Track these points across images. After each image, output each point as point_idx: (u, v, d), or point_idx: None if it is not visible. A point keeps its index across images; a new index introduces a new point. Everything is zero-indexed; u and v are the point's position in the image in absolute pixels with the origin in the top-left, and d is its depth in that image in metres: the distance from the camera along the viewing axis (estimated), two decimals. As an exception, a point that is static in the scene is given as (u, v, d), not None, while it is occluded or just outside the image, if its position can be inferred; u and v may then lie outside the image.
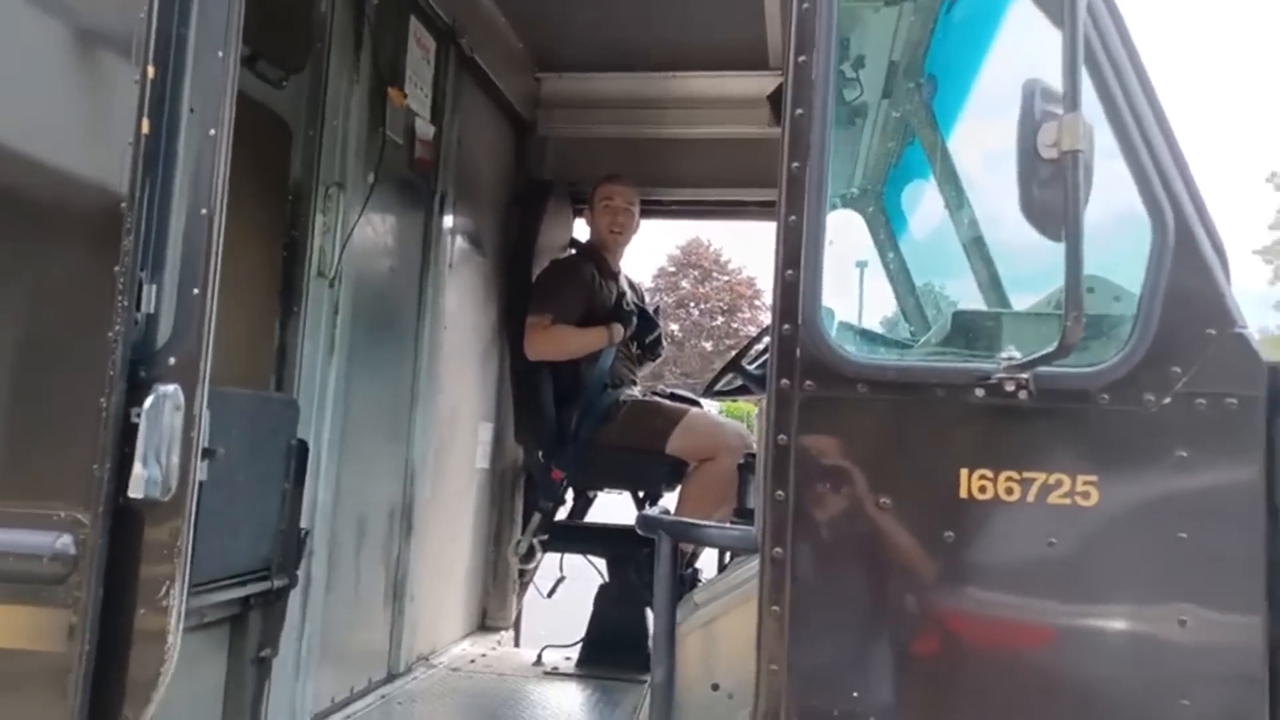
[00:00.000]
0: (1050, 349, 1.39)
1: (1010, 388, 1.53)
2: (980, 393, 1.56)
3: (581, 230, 4.27)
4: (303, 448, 2.47)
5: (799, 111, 1.64)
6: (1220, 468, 1.54)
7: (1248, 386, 1.53)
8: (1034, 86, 1.39)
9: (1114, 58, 1.58)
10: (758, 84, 4.00)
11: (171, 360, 1.68)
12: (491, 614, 4.19)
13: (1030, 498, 1.56)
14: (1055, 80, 1.37)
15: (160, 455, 1.63)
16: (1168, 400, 1.54)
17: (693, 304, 37.07)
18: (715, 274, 37.40)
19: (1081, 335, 1.36)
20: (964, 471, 1.57)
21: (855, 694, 1.57)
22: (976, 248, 2.60)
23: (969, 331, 1.80)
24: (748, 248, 37.33)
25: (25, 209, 1.75)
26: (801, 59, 1.64)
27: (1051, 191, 1.35)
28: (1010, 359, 1.51)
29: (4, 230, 1.74)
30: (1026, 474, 1.56)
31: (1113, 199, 1.63)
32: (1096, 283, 1.71)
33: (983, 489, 1.57)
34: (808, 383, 1.61)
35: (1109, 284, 1.72)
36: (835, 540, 1.60)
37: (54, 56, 1.76)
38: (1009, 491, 1.56)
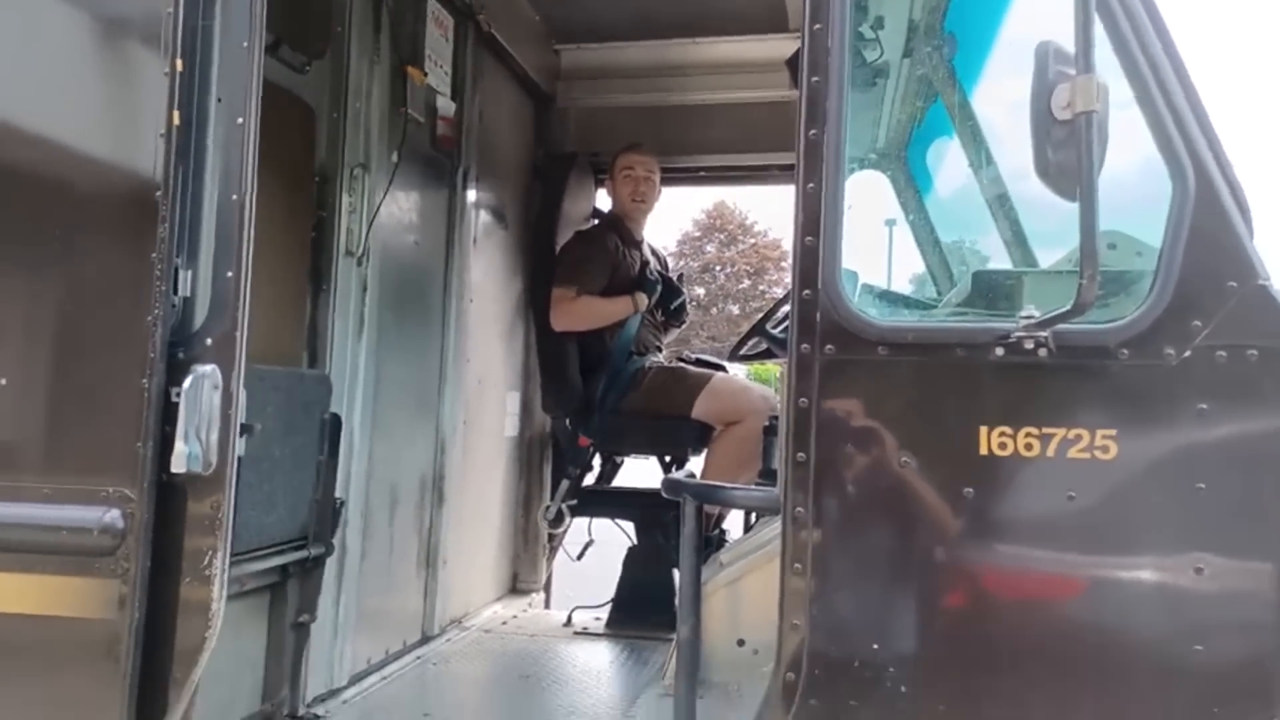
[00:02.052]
0: (1066, 307, 1.40)
1: (1029, 345, 1.54)
2: (1000, 351, 1.58)
3: (604, 200, 4.28)
4: (336, 421, 2.54)
5: (815, 78, 1.64)
6: (1240, 419, 1.54)
7: (1270, 338, 1.53)
8: (1047, 48, 1.39)
9: (1129, 9, 1.56)
10: (777, 47, 3.96)
11: (208, 341, 1.74)
12: (522, 577, 4.27)
13: (1050, 453, 1.57)
14: (1071, 39, 1.37)
15: (200, 432, 1.70)
16: (1188, 353, 1.54)
17: (719, 268, 36.90)
18: (741, 238, 37.16)
19: (1097, 293, 1.37)
20: (984, 429, 1.59)
21: (875, 646, 1.61)
22: (1001, 205, 2.59)
23: (989, 291, 1.81)
24: (774, 210, 37.01)
25: (66, 202, 1.80)
26: (817, 26, 1.64)
27: (1066, 152, 1.35)
28: (1029, 317, 1.52)
29: (47, 223, 1.80)
30: (1046, 430, 1.57)
31: (1135, 153, 1.63)
32: (1118, 238, 1.71)
33: (1003, 445, 1.59)
34: (828, 347, 1.64)
35: (1131, 239, 1.72)
36: (856, 499, 1.63)
37: (86, 54, 1.81)
38: (1029, 447, 1.58)
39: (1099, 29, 1.40)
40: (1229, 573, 1.52)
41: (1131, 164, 1.68)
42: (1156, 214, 1.61)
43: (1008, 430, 1.58)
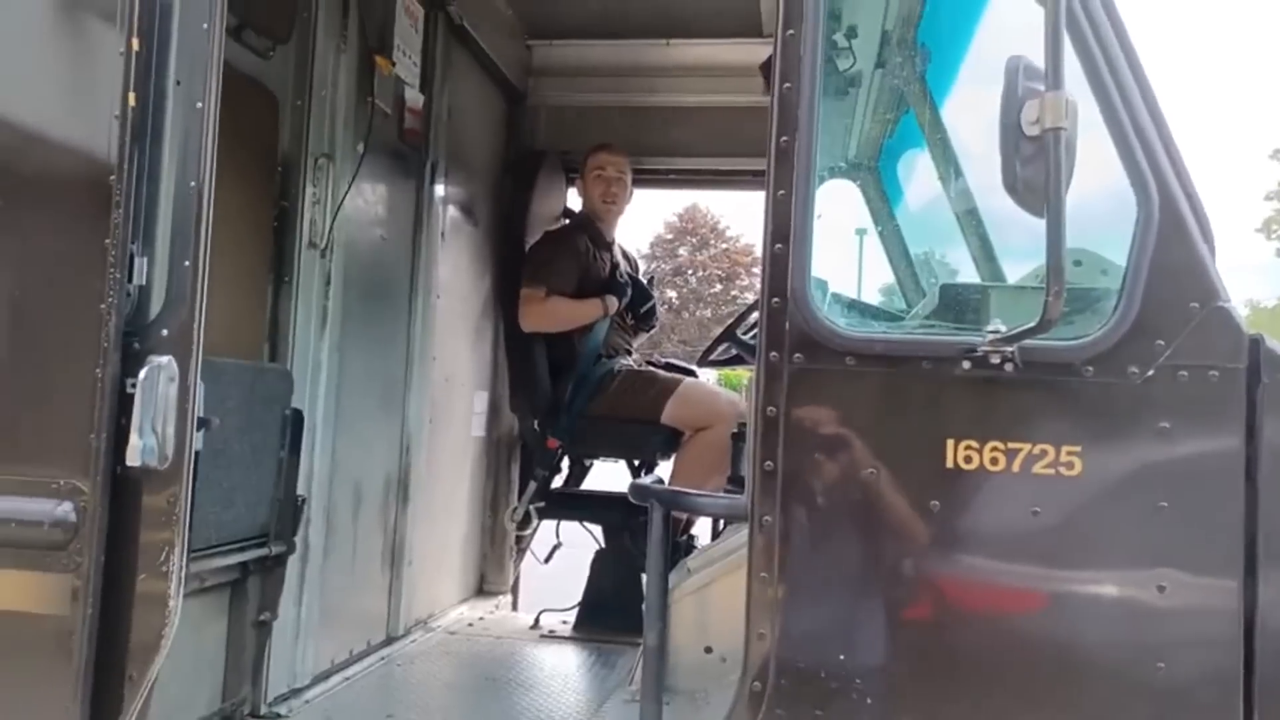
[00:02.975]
0: (1032, 323, 1.41)
1: (995, 360, 1.55)
2: (966, 365, 1.59)
3: (575, 200, 4.26)
4: (298, 417, 2.50)
5: (787, 85, 1.64)
6: (1202, 438, 1.57)
7: (1229, 359, 1.56)
8: (1017, 63, 1.40)
9: (1099, 31, 1.58)
10: (750, 51, 3.96)
11: (165, 332, 1.70)
12: (489, 579, 4.24)
13: (1015, 467, 1.59)
14: (1041, 55, 1.38)
15: (156, 425, 1.66)
16: (1151, 372, 1.56)
17: (691, 271, 36.99)
18: (713, 241, 37.28)
19: (1062, 310, 1.38)
20: (950, 442, 1.60)
21: (841, 657, 1.61)
22: (970, 219, 2.61)
23: (956, 304, 1.82)
24: (746, 215, 37.19)
25: (15, 184, 1.75)
26: (790, 32, 1.64)
27: (1034, 168, 1.36)
28: (995, 332, 1.53)
29: None
30: (1011, 444, 1.59)
31: (1102, 172, 1.64)
32: (1085, 256, 1.73)
33: (968, 459, 1.60)
34: (796, 355, 1.63)
35: (1097, 257, 1.74)
36: (823, 509, 1.63)
37: (39, 31, 1.76)
38: (994, 461, 1.59)
39: (1068, 47, 1.41)
40: (1191, 591, 1.54)
41: (1098, 182, 1.70)
42: (1122, 232, 1.63)
43: (974, 444, 1.58)
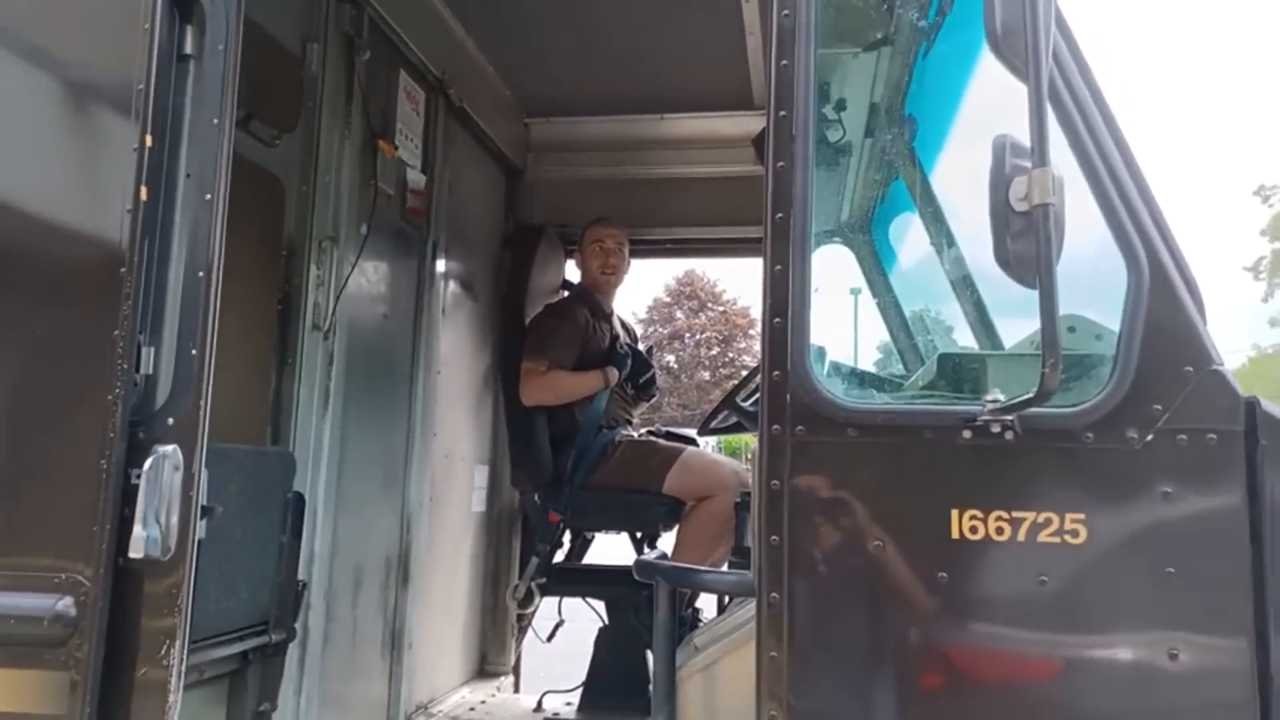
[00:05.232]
0: (1030, 394, 1.42)
1: (996, 429, 1.56)
2: (967, 434, 1.59)
3: (573, 272, 4.32)
4: (299, 500, 2.48)
5: (781, 164, 1.68)
6: (1204, 502, 1.56)
7: (1226, 421, 1.56)
8: (1004, 141, 1.43)
9: (1080, 103, 1.62)
10: (743, 124, 4.08)
11: (170, 420, 1.71)
12: (490, 659, 4.17)
13: (1020, 536, 1.58)
14: (1027, 128, 1.42)
15: (160, 515, 1.65)
16: (1150, 437, 1.57)
17: (689, 335, 37.17)
18: (710, 305, 37.55)
19: (1060, 380, 1.39)
20: (955, 512, 1.60)
21: (856, 735, 1.58)
22: (963, 283, 2.65)
23: (954, 373, 1.83)
24: (742, 279, 37.58)
25: (27, 275, 1.78)
26: (782, 113, 1.69)
27: (1024, 243, 1.39)
28: (994, 401, 1.54)
29: (6, 295, 1.77)
30: (1016, 513, 1.58)
31: (1092, 239, 1.67)
32: (1078, 321, 1.75)
33: (974, 529, 1.59)
34: (798, 428, 1.64)
35: (1090, 323, 1.76)
36: (831, 584, 1.62)
37: (55, 128, 1.81)
38: (1000, 531, 1.58)
39: (1052, 122, 1.45)
40: (1203, 654, 1.52)
41: (1088, 248, 1.73)
42: (1114, 297, 1.66)
43: (978, 513, 1.58)
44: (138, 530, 1.63)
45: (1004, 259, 1.41)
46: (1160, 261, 1.59)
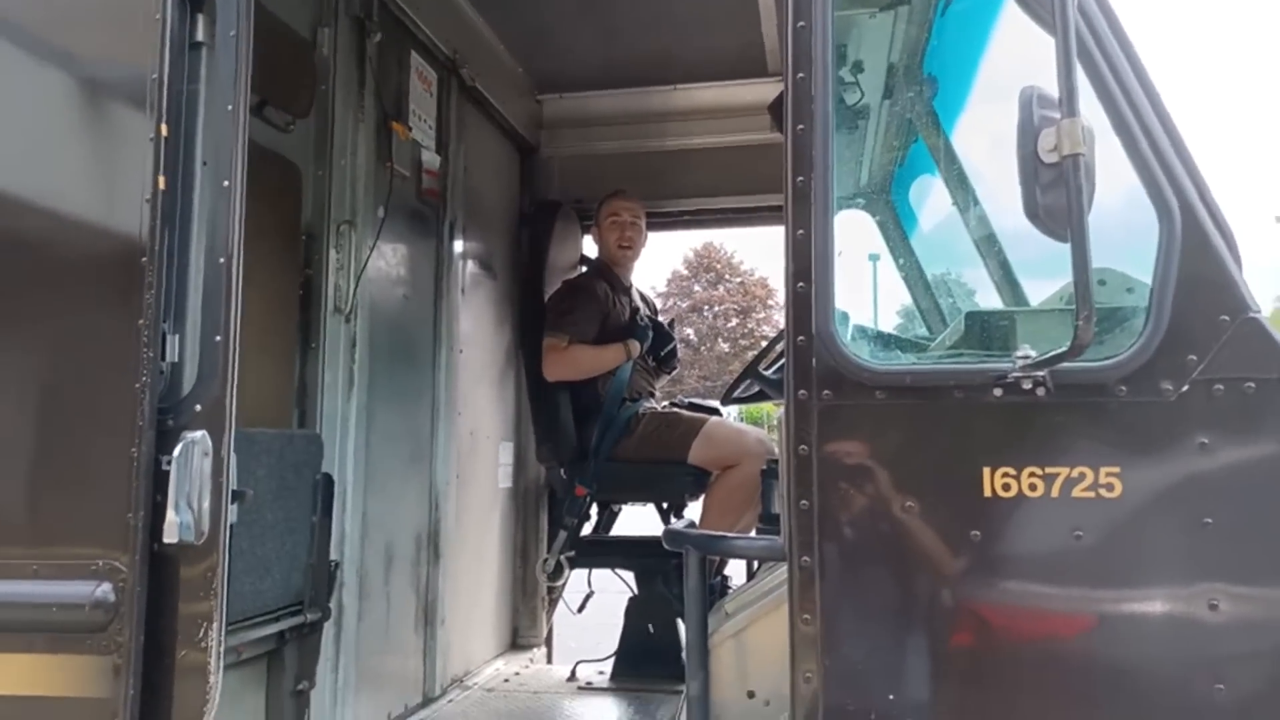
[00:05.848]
0: (1064, 349, 1.40)
1: (1028, 386, 1.54)
2: (998, 392, 1.57)
3: (590, 247, 4.30)
4: (328, 481, 2.51)
5: (800, 126, 1.65)
6: (1242, 451, 1.54)
7: (1264, 370, 1.53)
8: (1031, 93, 1.40)
9: (1108, 53, 1.58)
10: (757, 91, 4.02)
11: (198, 407, 1.72)
12: (522, 632, 4.21)
13: (1054, 492, 1.56)
14: (1053, 82, 1.38)
15: (191, 500, 1.67)
16: (1186, 388, 1.54)
17: (707, 307, 37.08)
18: (729, 276, 37.42)
19: (1093, 334, 1.37)
20: (987, 470, 1.58)
21: (891, 696, 1.58)
22: (987, 242, 2.61)
23: (983, 331, 1.81)
24: (760, 249, 37.37)
25: (52, 269, 1.79)
26: (800, 76, 1.66)
27: (1055, 195, 1.36)
28: (1025, 357, 1.52)
29: (31, 289, 1.79)
30: (1049, 469, 1.56)
31: (1122, 190, 1.64)
32: (1109, 275, 1.72)
33: (1006, 487, 1.57)
34: (825, 392, 1.63)
35: (1121, 275, 1.73)
36: (862, 546, 1.61)
37: (71, 120, 1.81)
38: (1033, 488, 1.57)
39: (1080, 73, 1.41)
40: (1244, 604, 1.51)
41: (1118, 200, 1.69)
42: (1145, 248, 1.62)
43: (1011, 471, 1.56)
44: (170, 516, 1.65)
45: (1034, 212, 1.39)
46: (1193, 210, 1.55)
